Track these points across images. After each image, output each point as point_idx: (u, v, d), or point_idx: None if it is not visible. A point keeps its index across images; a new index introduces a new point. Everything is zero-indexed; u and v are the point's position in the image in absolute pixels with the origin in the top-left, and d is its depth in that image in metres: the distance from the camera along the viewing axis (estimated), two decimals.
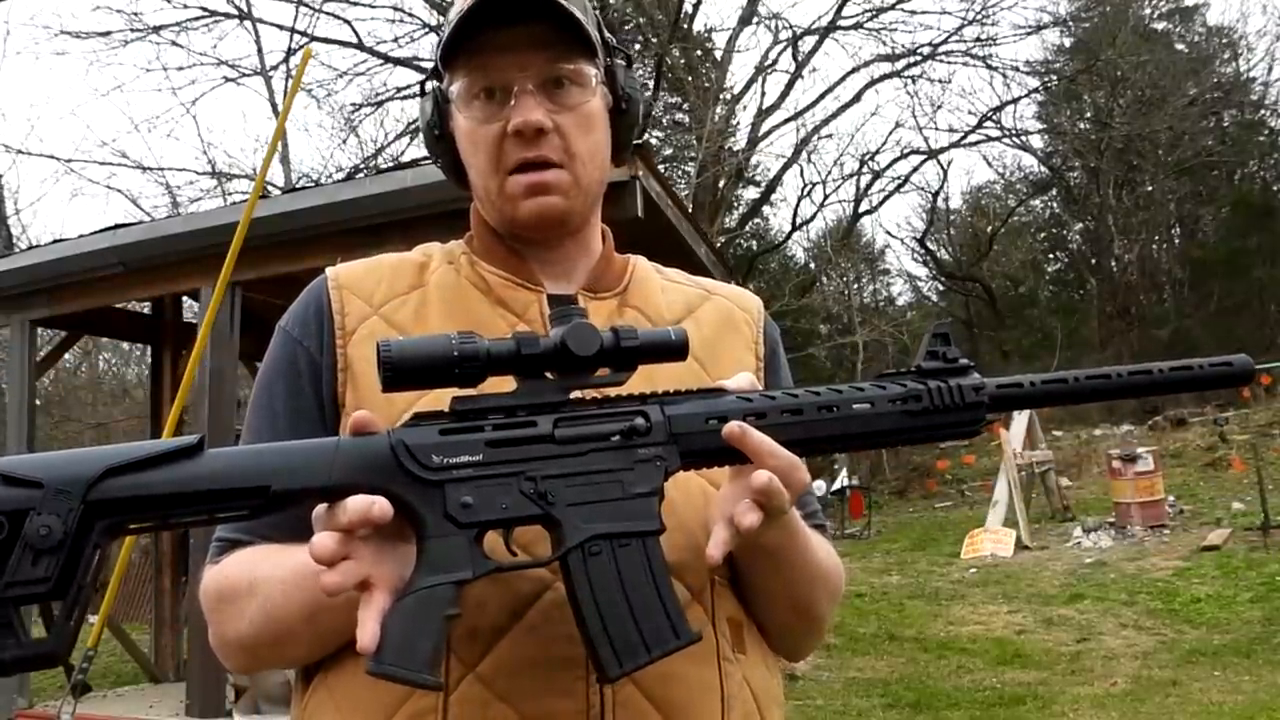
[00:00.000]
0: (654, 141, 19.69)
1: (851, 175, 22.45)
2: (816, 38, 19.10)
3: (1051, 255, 27.78)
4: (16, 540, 0.67)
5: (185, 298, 7.23)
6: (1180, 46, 24.49)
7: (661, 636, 0.78)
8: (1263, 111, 24.13)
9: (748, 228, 23.80)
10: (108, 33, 16.30)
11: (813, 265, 25.26)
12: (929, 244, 26.72)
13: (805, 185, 25.39)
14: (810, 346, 20.92)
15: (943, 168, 27.49)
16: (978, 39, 19.35)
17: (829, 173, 22.01)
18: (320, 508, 0.76)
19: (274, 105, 16.93)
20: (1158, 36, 23.62)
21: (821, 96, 21.68)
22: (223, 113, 57.61)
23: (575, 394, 0.83)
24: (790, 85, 19.55)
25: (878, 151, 22.44)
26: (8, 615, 0.69)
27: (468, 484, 0.77)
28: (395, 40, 21.73)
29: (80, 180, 40.71)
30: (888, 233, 45.47)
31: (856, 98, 20.16)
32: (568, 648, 0.85)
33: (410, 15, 18.80)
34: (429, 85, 1.05)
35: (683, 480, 0.87)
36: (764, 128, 19.67)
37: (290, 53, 17.10)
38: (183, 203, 17.09)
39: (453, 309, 1.01)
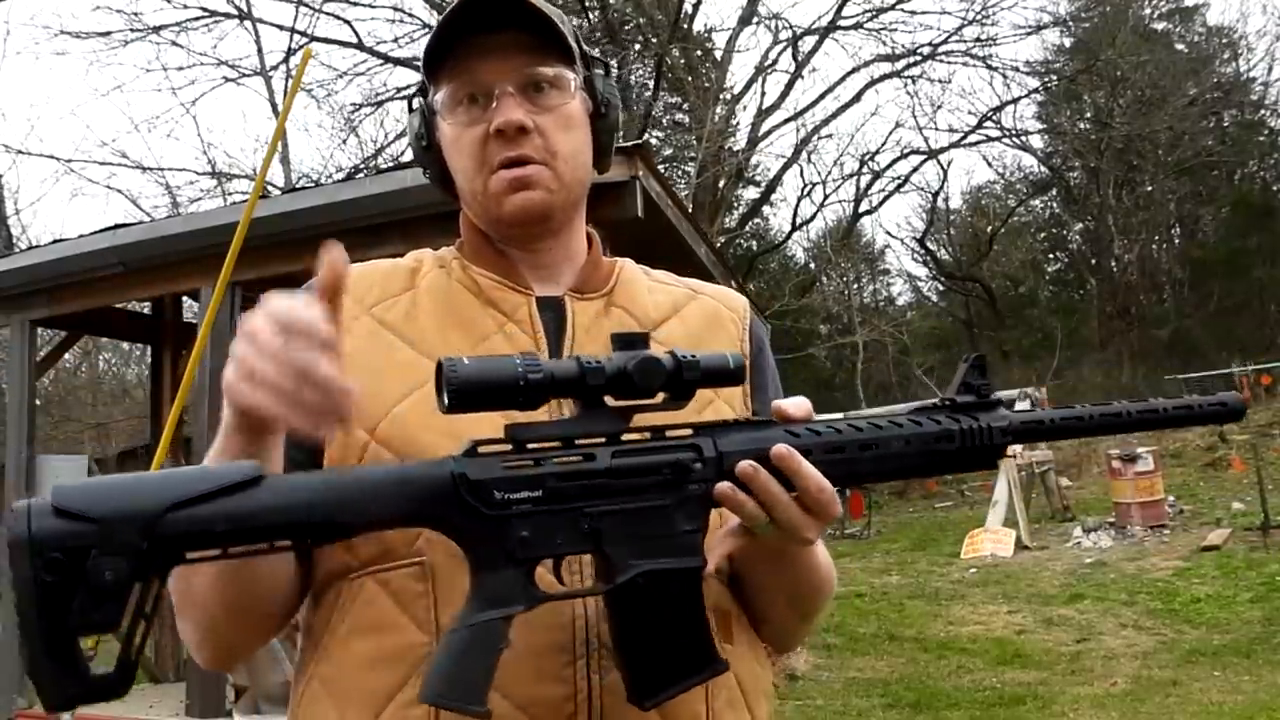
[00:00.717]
0: (654, 141, 19.69)
1: (851, 175, 22.52)
2: (816, 38, 19.13)
3: (1051, 255, 27.80)
4: (75, 577, 0.65)
5: (185, 298, 7.23)
6: (1180, 46, 24.51)
7: (695, 667, 0.82)
8: (1263, 111, 24.17)
9: (748, 228, 23.82)
10: (108, 33, 16.32)
11: (813, 265, 25.29)
12: (929, 244, 26.76)
13: (805, 185, 25.44)
14: (810, 346, 20.95)
15: (943, 168, 27.54)
16: (978, 39, 19.38)
17: (829, 173, 22.09)
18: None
19: (274, 105, 16.94)
20: (1158, 36, 23.63)
21: (821, 96, 21.70)
22: (223, 113, 57.68)
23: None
24: (790, 85, 19.58)
25: (878, 151, 22.50)
26: (70, 653, 0.67)
27: (527, 520, 0.78)
28: (395, 40, 21.74)
29: (80, 180, 40.66)
30: (888, 233, 45.57)
31: (856, 98, 20.21)
32: (558, 635, 0.88)
33: (410, 15, 18.82)
34: (416, 101, 1.08)
35: None
36: (764, 128, 19.71)
37: (290, 53, 17.12)
38: (183, 203, 17.12)
39: (443, 309, 1.03)
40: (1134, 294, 23.96)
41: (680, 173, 19.45)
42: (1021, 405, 13.02)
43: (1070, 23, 23.03)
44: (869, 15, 18.99)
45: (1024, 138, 24.47)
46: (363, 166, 17.44)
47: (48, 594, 0.65)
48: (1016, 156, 32.42)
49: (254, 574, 0.90)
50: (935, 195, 25.56)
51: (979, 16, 18.85)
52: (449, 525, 0.78)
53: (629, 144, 4.73)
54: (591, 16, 17.38)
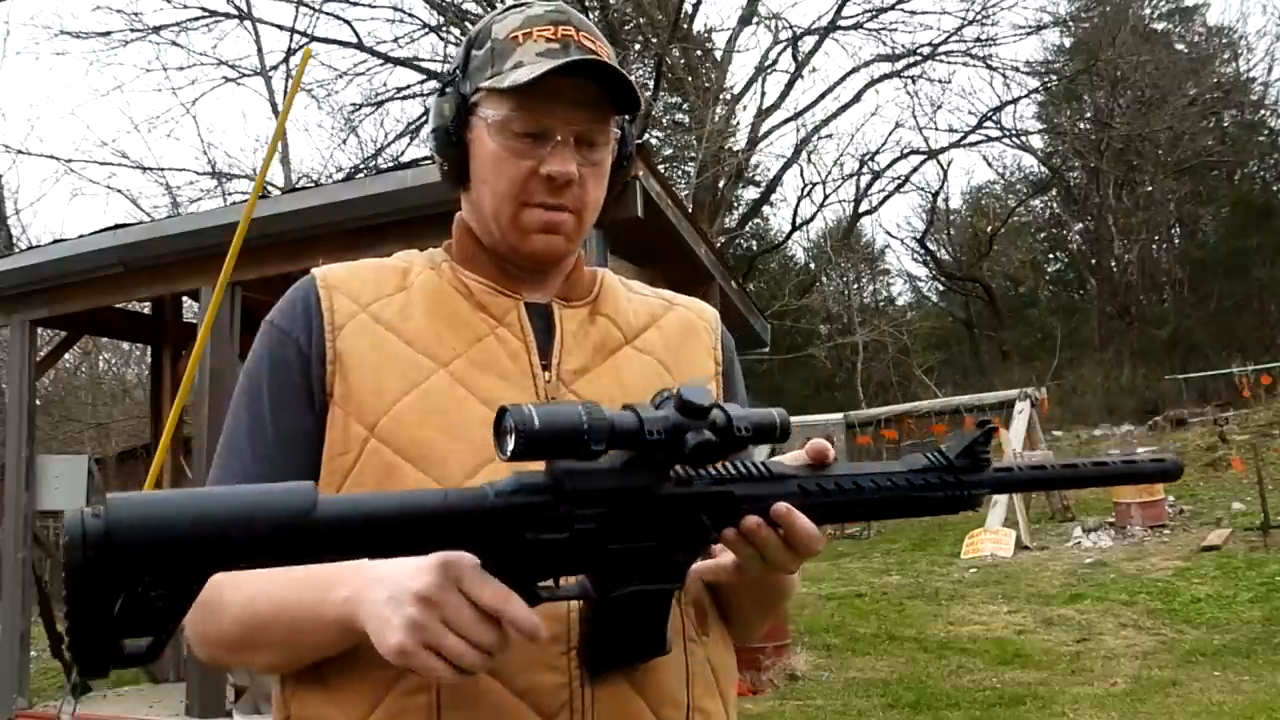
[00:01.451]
0: (654, 141, 19.69)
1: (851, 175, 22.52)
2: (816, 38, 19.12)
3: (1051, 255, 27.80)
4: (128, 598, 0.66)
5: (185, 298, 7.24)
6: (1180, 46, 24.51)
7: (644, 651, 0.92)
8: (1263, 111, 24.17)
9: (748, 228, 23.83)
10: (108, 33, 16.33)
11: (813, 265, 25.30)
12: (929, 244, 26.76)
13: (805, 185, 25.45)
14: (810, 346, 20.93)
15: (943, 168, 27.63)
16: (978, 39, 19.38)
17: (829, 173, 22.07)
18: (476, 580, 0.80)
19: (274, 105, 16.94)
20: (1158, 36, 23.62)
21: (821, 96, 21.71)
22: (223, 113, 57.70)
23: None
24: (790, 85, 19.57)
25: (878, 151, 22.51)
26: (110, 642, 0.68)
27: (549, 555, 0.82)
28: (395, 40, 21.77)
29: (80, 180, 40.79)
30: (888, 233, 45.59)
31: (856, 98, 20.21)
32: (552, 626, 0.91)
33: (410, 15, 18.85)
34: (448, 87, 1.08)
35: None
36: (764, 128, 19.69)
37: (290, 53, 17.13)
38: (183, 203, 17.13)
39: (436, 310, 1.05)
40: (1134, 294, 23.96)
41: (680, 173, 19.46)
42: (1021, 405, 13.04)
43: (1070, 23, 23.04)
44: (869, 15, 19.00)
45: (1024, 138, 24.51)
46: (363, 166, 17.45)
47: (94, 611, 0.66)
48: (1016, 156, 32.50)
49: (308, 647, 0.94)
50: (935, 195, 25.60)
51: (979, 16, 18.87)
52: (476, 548, 0.81)
53: None
54: (591, 16, 17.37)
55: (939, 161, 23.70)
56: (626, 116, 1.11)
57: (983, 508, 11.92)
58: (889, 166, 22.61)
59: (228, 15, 16.68)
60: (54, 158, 24.25)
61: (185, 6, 16.39)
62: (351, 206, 4.95)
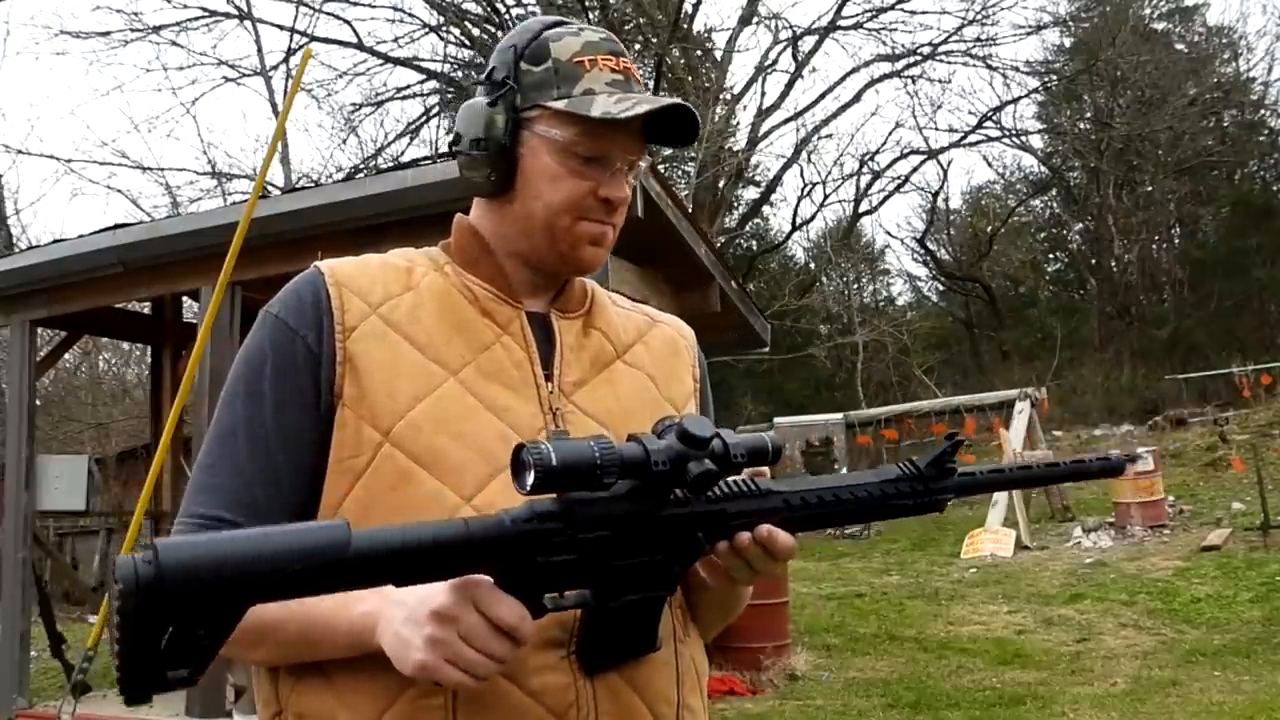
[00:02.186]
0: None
1: (851, 175, 22.52)
2: (816, 38, 19.13)
3: (1051, 255, 27.79)
4: (175, 635, 0.71)
5: (185, 298, 7.23)
6: (1180, 46, 24.49)
7: (635, 650, 0.99)
8: (1263, 111, 24.14)
9: (748, 228, 23.82)
10: (108, 33, 16.34)
11: (813, 265, 25.28)
12: (929, 244, 26.75)
13: (805, 185, 25.45)
14: (810, 346, 20.92)
15: (943, 168, 27.64)
16: (978, 39, 19.40)
17: (829, 173, 22.06)
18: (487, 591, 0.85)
19: (274, 105, 16.94)
20: (1158, 36, 23.60)
21: (821, 96, 21.73)
22: (223, 113, 57.58)
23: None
24: (790, 85, 19.58)
25: (878, 151, 22.51)
26: (156, 670, 0.73)
27: (557, 570, 0.88)
28: (395, 40, 21.78)
29: (80, 180, 40.81)
30: (888, 233, 45.56)
31: (856, 98, 20.21)
32: (556, 632, 0.96)
33: (410, 15, 18.85)
34: (499, 100, 1.08)
35: None
36: (764, 128, 19.71)
37: (290, 53, 17.14)
38: (183, 203, 17.14)
39: (445, 313, 1.06)
40: (1134, 294, 23.95)
41: (680, 173, 19.45)
42: (1021, 405, 13.04)
43: (1070, 23, 23.03)
44: (869, 15, 19.01)
45: (1024, 138, 24.50)
46: (363, 166, 17.46)
47: (144, 645, 0.70)
48: (1016, 156, 32.49)
49: (312, 650, 0.96)
50: (935, 195, 25.59)
51: (979, 16, 18.88)
52: (492, 569, 0.86)
53: None
54: (591, 16, 17.37)
55: (939, 161, 23.73)
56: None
57: (980, 508, 11.94)
58: (889, 166, 22.64)
59: (228, 15, 16.70)
60: (54, 158, 24.32)
61: (185, 6, 16.42)
62: (351, 206, 4.95)
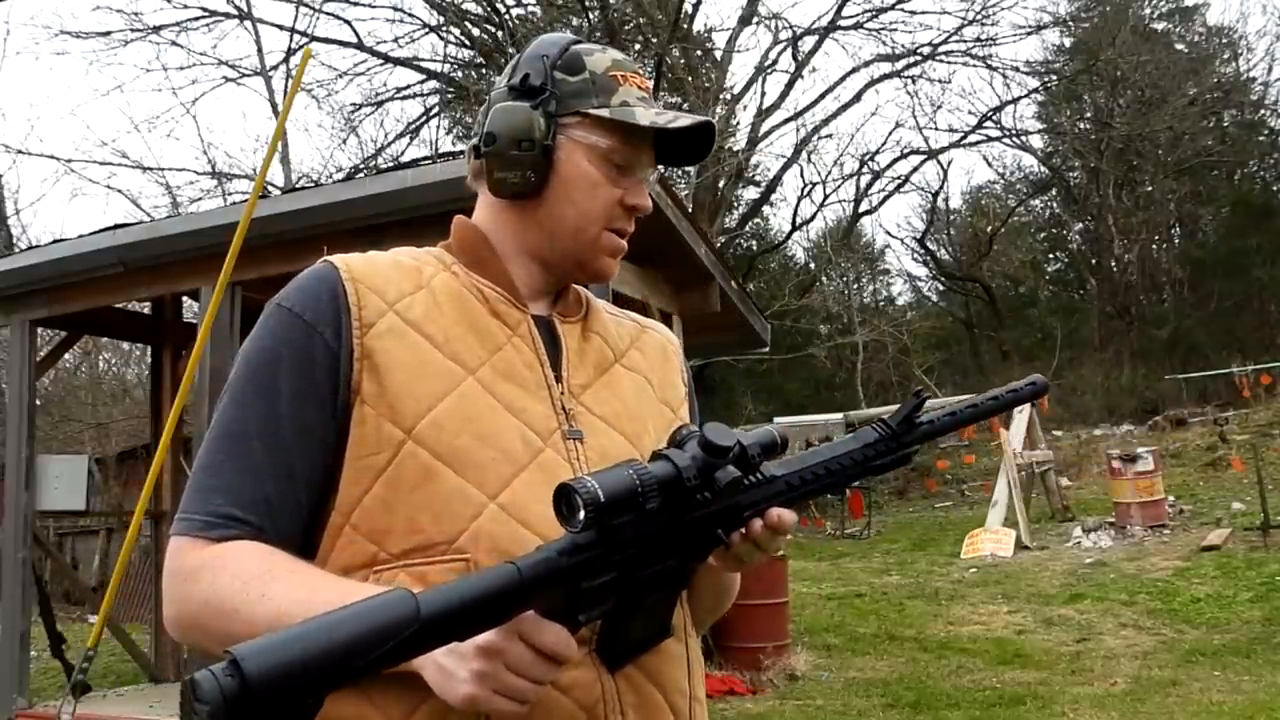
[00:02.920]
0: None
1: (851, 175, 22.50)
2: (816, 38, 19.11)
3: (1051, 255, 27.80)
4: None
5: (185, 298, 7.23)
6: (1180, 46, 24.49)
7: (650, 641, 1.02)
8: (1263, 111, 24.15)
9: (748, 228, 23.81)
10: (108, 33, 16.32)
11: (813, 265, 25.27)
12: (929, 244, 26.75)
13: (805, 185, 25.45)
14: (810, 346, 20.91)
15: (943, 168, 27.58)
16: (978, 39, 19.37)
17: (829, 173, 22.03)
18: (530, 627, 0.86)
19: (274, 105, 16.93)
20: (1158, 36, 23.60)
21: (821, 96, 21.72)
22: (223, 113, 57.61)
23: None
24: (790, 85, 19.56)
25: (878, 151, 22.49)
26: None
27: (597, 592, 0.90)
28: (395, 40, 21.77)
29: (80, 180, 40.76)
30: (888, 233, 45.54)
31: (856, 98, 20.19)
32: (583, 630, 0.95)
33: (410, 15, 18.86)
34: (538, 105, 1.10)
35: None
36: (764, 128, 19.68)
37: (290, 53, 17.12)
38: (183, 203, 17.12)
39: (460, 313, 1.07)
40: (1134, 294, 23.95)
41: (680, 173, 19.42)
42: (1021, 405, 13.02)
43: (1070, 23, 23.02)
44: (869, 15, 18.99)
45: (1024, 138, 24.49)
46: (363, 166, 17.45)
47: None
48: (1016, 156, 32.46)
49: None
50: (935, 195, 25.59)
51: (979, 16, 18.86)
52: (540, 605, 0.86)
53: None
54: (591, 16, 17.38)
55: (939, 161, 23.71)
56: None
57: (981, 508, 11.93)
58: (889, 166, 22.61)
59: (228, 15, 16.68)
60: (54, 158, 24.26)
61: (185, 6, 16.40)
62: (351, 206, 4.95)
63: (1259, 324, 22.09)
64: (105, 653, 7.01)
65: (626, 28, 18.65)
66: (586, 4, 17.12)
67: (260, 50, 16.74)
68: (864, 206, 23.60)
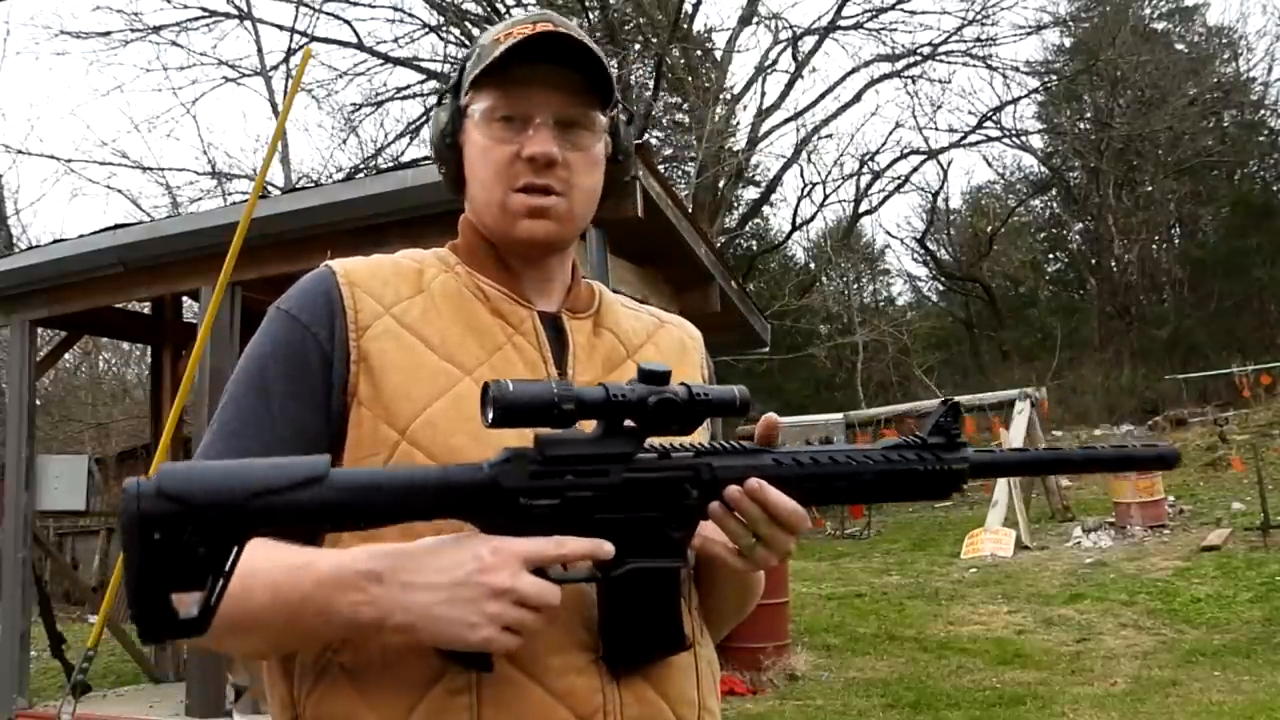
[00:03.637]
0: (654, 141, 19.69)
1: (851, 175, 22.50)
2: (816, 38, 19.12)
3: (1051, 255, 27.78)
4: (171, 548, 0.77)
5: (185, 298, 7.23)
6: (1180, 46, 24.48)
7: (663, 645, 0.98)
8: (1263, 111, 24.13)
9: (748, 228, 23.80)
10: (108, 33, 16.33)
11: (813, 265, 25.27)
12: (929, 244, 26.75)
13: (805, 185, 25.46)
14: (810, 346, 20.91)
15: (943, 168, 27.61)
16: (978, 39, 19.38)
17: (829, 173, 22.04)
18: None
19: (274, 105, 16.94)
20: (1158, 36, 23.60)
21: (821, 96, 21.71)
22: (223, 113, 57.64)
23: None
24: (790, 85, 19.57)
25: (878, 151, 22.50)
26: (164, 603, 0.79)
27: (544, 521, 0.90)
28: (395, 40, 21.77)
29: (80, 180, 40.77)
30: (888, 233, 45.52)
31: (856, 98, 20.20)
32: (583, 634, 0.97)
33: (410, 15, 18.87)
34: (445, 98, 1.13)
35: None
36: (764, 128, 19.69)
37: (290, 53, 17.13)
38: (183, 203, 17.13)
39: (458, 314, 1.07)
40: (1134, 294, 23.94)
41: (680, 173, 19.44)
42: (1021, 405, 13.02)
43: (1070, 23, 23.03)
44: (869, 15, 19.00)
45: (1024, 138, 24.49)
46: (363, 166, 17.45)
47: (148, 560, 0.77)
48: (1016, 156, 32.47)
49: (300, 640, 0.96)
50: (935, 195, 25.58)
51: (979, 16, 18.87)
52: (479, 520, 0.90)
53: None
54: (591, 16, 17.37)
55: (939, 161, 23.72)
56: (621, 115, 1.14)
57: (980, 501, 11.94)
58: (889, 166, 22.62)
59: (228, 15, 16.69)
60: (54, 158, 24.32)
61: (185, 6, 16.41)
62: (351, 206, 4.95)
63: (1259, 324, 22.08)
64: (105, 653, 7.00)
65: (626, 28, 18.66)
66: (586, 4, 17.12)
67: (260, 50, 16.76)
68: (864, 206, 23.63)
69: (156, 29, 16.32)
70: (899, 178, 22.97)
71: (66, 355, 10.78)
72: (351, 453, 0.99)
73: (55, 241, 6.27)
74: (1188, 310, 22.81)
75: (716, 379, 1.26)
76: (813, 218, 23.58)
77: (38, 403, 7.20)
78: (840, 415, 16.06)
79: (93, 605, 8.76)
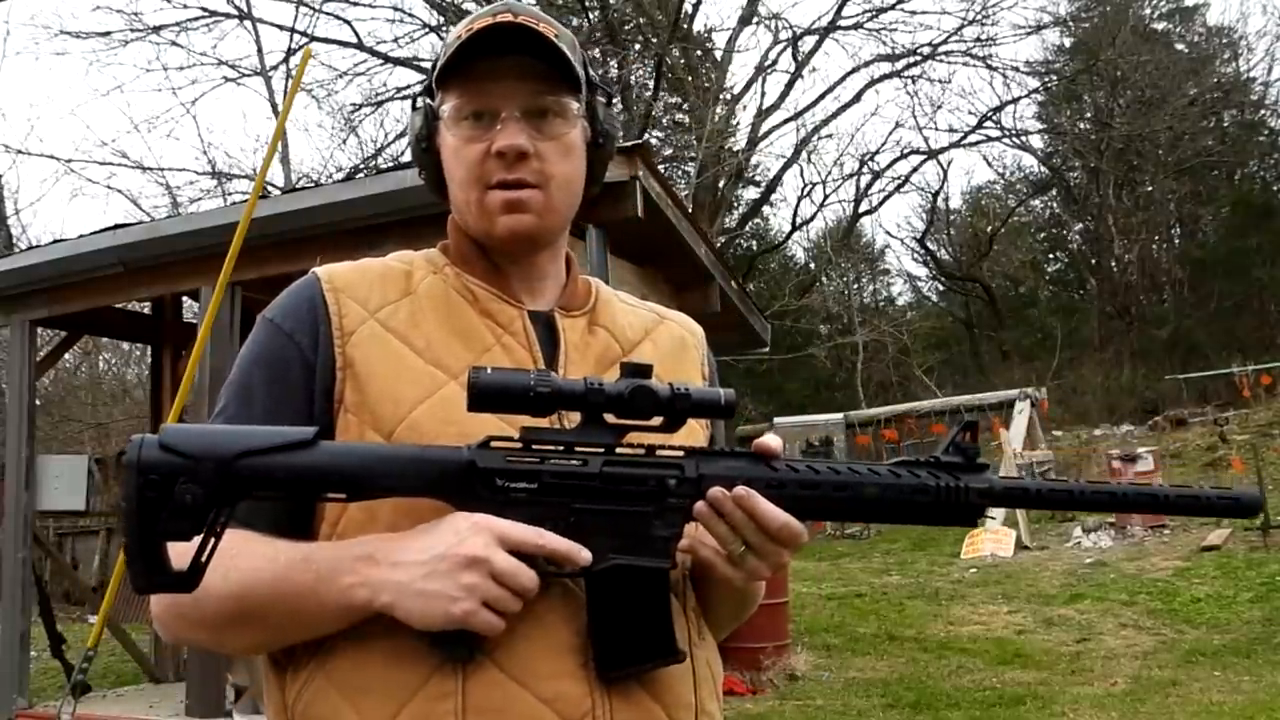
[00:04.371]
0: (654, 141, 19.68)
1: (851, 175, 22.48)
2: (816, 38, 19.11)
3: (1051, 255, 27.77)
4: (165, 496, 0.83)
5: (185, 298, 7.23)
6: (1180, 46, 24.48)
7: (655, 653, 0.95)
8: (1263, 111, 24.12)
9: (748, 228, 23.80)
10: (108, 33, 16.33)
11: (813, 265, 25.26)
12: (929, 244, 26.73)
13: (805, 185, 25.48)
14: (810, 346, 20.91)
15: (943, 168, 27.60)
16: (978, 39, 19.37)
17: (829, 173, 22.02)
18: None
19: (274, 105, 16.93)
20: (1158, 36, 23.60)
21: (821, 96, 21.71)
22: (223, 113, 57.64)
23: (628, 438, 0.95)
24: (790, 85, 19.56)
25: (878, 151, 22.47)
26: (159, 552, 0.84)
27: (522, 506, 0.91)
28: (395, 40, 21.80)
29: (80, 180, 40.71)
30: (888, 233, 45.53)
31: (856, 98, 20.19)
32: (571, 637, 0.95)
33: (410, 15, 18.86)
34: (420, 101, 1.12)
35: None
36: (764, 128, 19.68)
37: (290, 53, 17.13)
38: (183, 203, 17.11)
39: (445, 316, 1.06)
40: (1134, 294, 23.94)
41: (680, 173, 19.43)
42: (1021, 405, 13.03)
43: (1070, 23, 23.02)
44: (869, 15, 18.99)
45: (1024, 138, 24.46)
46: (363, 166, 17.45)
47: (144, 506, 0.83)
48: (1016, 156, 32.47)
49: (299, 630, 0.96)
50: (935, 195, 25.56)
51: (979, 16, 18.85)
52: (457, 501, 0.91)
53: (629, 144, 4.73)
54: (591, 16, 17.37)
55: (939, 161, 23.69)
56: (600, 97, 1.12)
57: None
58: (889, 166, 22.59)
59: (228, 15, 16.69)
60: (54, 158, 24.31)
61: (185, 6, 16.40)
62: (351, 206, 4.95)
63: (1259, 324, 22.07)
64: (105, 653, 7.00)
65: (626, 28, 18.65)
66: (586, 4, 17.12)
67: (260, 50, 16.76)
68: (864, 206, 23.61)
69: (156, 29, 16.32)
70: (899, 178, 22.97)
71: (66, 355, 10.78)
72: None
73: (55, 241, 6.27)
74: (1188, 310, 22.80)
75: (719, 377, 1.25)
76: (813, 218, 23.60)
77: (38, 403, 7.20)
78: (840, 415, 16.08)
79: (93, 605, 8.76)
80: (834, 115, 20.62)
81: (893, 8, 18.86)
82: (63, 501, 6.48)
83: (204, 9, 16.43)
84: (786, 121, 20.08)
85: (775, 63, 19.51)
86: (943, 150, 22.95)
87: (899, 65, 19.80)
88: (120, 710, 5.68)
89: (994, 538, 10.93)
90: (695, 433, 1.08)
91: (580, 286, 1.16)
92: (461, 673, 0.92)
